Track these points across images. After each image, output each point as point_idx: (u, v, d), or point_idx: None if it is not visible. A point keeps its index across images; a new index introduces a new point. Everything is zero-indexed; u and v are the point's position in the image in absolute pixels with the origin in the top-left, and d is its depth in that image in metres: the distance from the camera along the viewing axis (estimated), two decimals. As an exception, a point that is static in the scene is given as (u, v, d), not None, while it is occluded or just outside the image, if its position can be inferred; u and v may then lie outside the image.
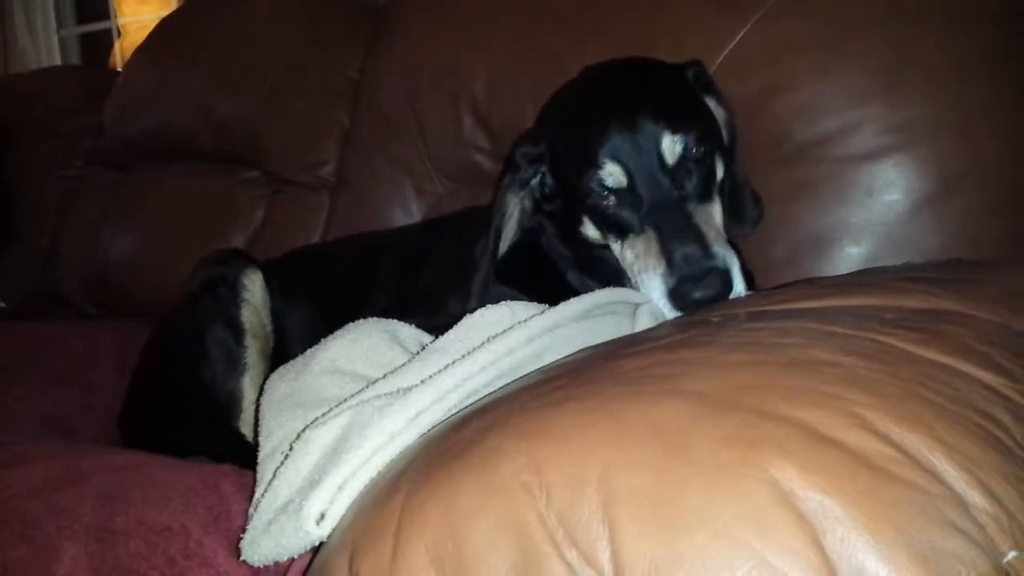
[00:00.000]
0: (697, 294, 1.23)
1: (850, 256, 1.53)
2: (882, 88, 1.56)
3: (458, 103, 2.17)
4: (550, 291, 1.33)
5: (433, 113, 2.24)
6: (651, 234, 1.31)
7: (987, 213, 1.49)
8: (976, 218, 1.49)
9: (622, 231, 1.37)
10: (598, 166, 1.34)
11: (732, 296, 1.25)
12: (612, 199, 1.35)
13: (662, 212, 1.31)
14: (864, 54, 1.59)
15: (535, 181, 1.52)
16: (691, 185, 1.33)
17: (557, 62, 1.95)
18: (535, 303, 1.21)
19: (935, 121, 1.52)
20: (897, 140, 1.53)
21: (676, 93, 1.42)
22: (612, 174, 1.34)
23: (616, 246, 1.39)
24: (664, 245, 1.28)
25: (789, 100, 1.64)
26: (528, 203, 1.53)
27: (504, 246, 1.52)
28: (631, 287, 1.36)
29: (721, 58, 1.71)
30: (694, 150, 1.33)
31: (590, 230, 1.44)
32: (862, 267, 1.50)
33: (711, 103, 1.47)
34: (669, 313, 1.26)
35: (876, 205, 1.54)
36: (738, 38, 1.71)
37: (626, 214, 1.35)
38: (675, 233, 1.28)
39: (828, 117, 1.60)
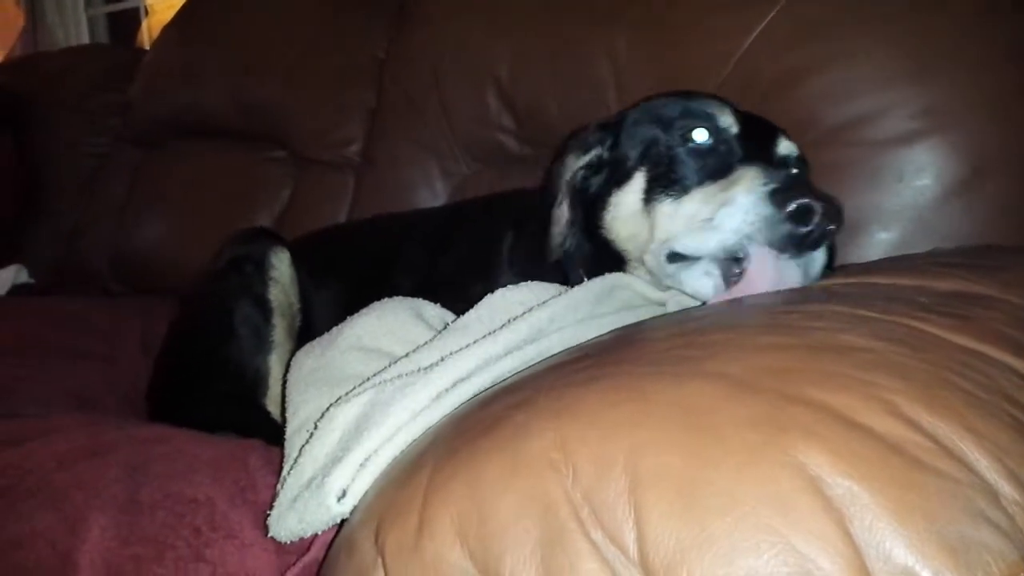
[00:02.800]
0: (804, 199, 1.02)
1: (880, 241, 1.51)
2: (912, 72, 1.54)
3: (483, 84, 2.17)
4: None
5: (458, 94, 2.24)
6: (749, 169, 1.13)
7: (1018, 198, 1.47)
8: (1007, 203, 1.47)
9: (688, 183, 1.20)
10: (708, 105, 1.25)
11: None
12: (706, 143, 1.22)
13: (765, 164, 1.16)
14: (893, 37, 1.58)
15: (595, 152, 1.38)
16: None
17: (581, 45, 1.96)
18: (557, 284, 1.21)
19: (966, 105, 1.50)
20: (928, 124, 1.51)
21: None
22: (724, 115, 1.24)
23: (666, 207, 1.21)
24: (765, 171, 1.11)
25: (817, 83, 1.62)
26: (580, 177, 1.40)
27: (563, 217, 1.38)
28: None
29: (749, 41, 1.70)
30: (801, 165, 1.28)
31: (629, 197, 1.28)
32: (892, 253, 1.48)
33: None
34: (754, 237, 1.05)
35: (906, 190, 1.52)
36: (765, 22, 1.69)
37: (711, 162, 1.20)
38: (782, 173, 1.13)
39: (858, 100, 1.58)
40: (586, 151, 1.38)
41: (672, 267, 1.18)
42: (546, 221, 1.37)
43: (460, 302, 1.26)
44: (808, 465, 0.58)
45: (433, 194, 2.29)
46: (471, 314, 1.14)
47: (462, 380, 0.96)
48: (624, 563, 0.59)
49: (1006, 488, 0.58)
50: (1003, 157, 1.48)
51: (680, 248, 1.16)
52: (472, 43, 2.21)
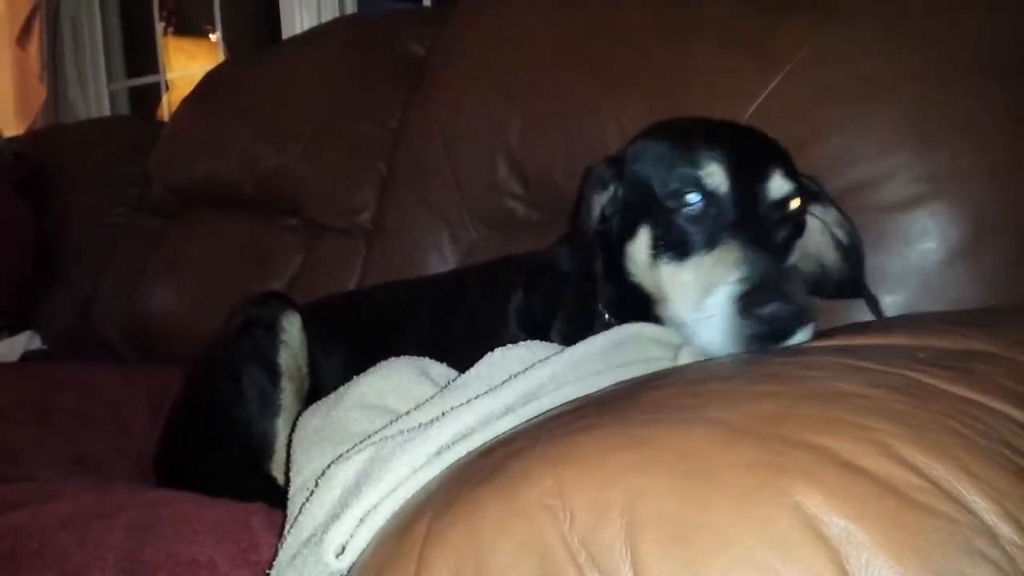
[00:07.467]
0: (769, 308, 1.05)
1: (886, 305, 1.51)
2: (914, 137, 1.56)
3: (493, 151, 2.21)
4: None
5: (468, 160, 2.28)
6: (732, 245, 1.16)
7: (1022, 261, 1.47)
8: (1011, 266, 1.48)
9: (686, 248, 1.22)
10: (696, 164, 1.23)
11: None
12: (696, 207, 1.22)
13: (750, 234, 1.17)
14: (895, 104, 1.60)
15: (612, 188, 1.37)
16: (779, 237, 1.25)
17: (589, 110, 1.99)
18: (556, 344, 1.21)
19: (968, 169, 1.51)
20: (931, 188, 1.53)
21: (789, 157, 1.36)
22: (712, 174, 1.22)
23: (668, 270, 1.24)
24: (745, 255, 1.13)
25: (821, 150, 1.64)
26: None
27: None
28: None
29: (752, 108, 1.72)
30: (794, 204, 1.26)
31: (639, 251, 1.29)
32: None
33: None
34: (724, 338, 1.09)
35: (912, 254, 1.53)
36: (769, 89, 1.72)
37: (702, 228, 1.22)
38: (761, 256, 1.13)
39: (861, 166, 1.60)
40: (604, 187, 1.37)
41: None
42: (585, 267, 1.36)
43: (467, 362, 1.27)
44: (804, 505, 0.58)
45: (443, 259, 2.31)
46: (471, 372, 1.14)
47: (462, 437, 0.96)
48: (620, 605, 0.59)
49: (1005, 529, 0.57)
50: (1005, 220, 1.49)
51: (682, 321, 1.20)
52: (483, 110, 2.26)
